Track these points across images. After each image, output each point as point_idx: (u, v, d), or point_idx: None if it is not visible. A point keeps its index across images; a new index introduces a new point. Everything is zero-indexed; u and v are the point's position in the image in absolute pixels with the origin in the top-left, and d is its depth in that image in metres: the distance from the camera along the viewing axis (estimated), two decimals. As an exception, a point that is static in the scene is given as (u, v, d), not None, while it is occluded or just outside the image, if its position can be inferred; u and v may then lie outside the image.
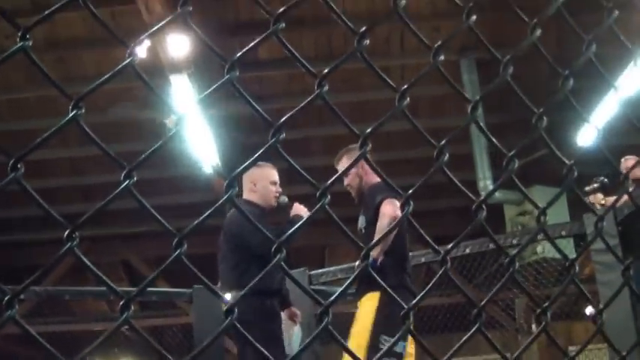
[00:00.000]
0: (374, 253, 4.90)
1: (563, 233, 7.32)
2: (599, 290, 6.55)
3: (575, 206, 11.32)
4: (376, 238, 4.81)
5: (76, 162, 14.62)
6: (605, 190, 8.33)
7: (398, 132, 12.71)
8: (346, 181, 5.41)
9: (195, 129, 10.79)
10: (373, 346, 4.70)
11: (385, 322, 4.81)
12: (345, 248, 16.14)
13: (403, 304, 1.32)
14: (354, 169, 5.30)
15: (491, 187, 12.23)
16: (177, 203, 14.20)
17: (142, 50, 1.26)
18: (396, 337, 1.34)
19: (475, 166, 12.52)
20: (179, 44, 9.40)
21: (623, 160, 8.34)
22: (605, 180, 8.38)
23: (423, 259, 8.06)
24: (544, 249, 11.91)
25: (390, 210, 4.87)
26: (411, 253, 8.23)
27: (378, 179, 5.34)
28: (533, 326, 14.22)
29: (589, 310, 18.13)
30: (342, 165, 5.47)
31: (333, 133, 13.57)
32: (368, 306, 4.92)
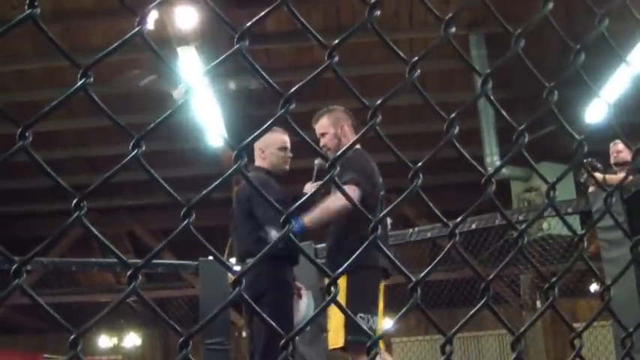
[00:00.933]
0: (305, 220, 4.90)
1: (570, 210, 7.30)
2: (605, 268, 6.55)
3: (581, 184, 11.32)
4: (319, 210, 4.85)
5: (82, 133, 14.65)
6: (598, 171, 8.30)
7: (405, 106, 12.71)
8: (323, 142, 5.27)
9: (202, 101, 10.77)
10: (352, 325, 4.70)
11: (358, 301, 4.80)
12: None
13: (413, 277, 1.31)
14: (332, 130, 5.19)
15: (498, 164, 12.23)
16: (184, 176, 14.21)
17: (150, 20, 1.25)
18: (403, 310, 1.34)
19: (482, 142, 12.52)
20: (186, 16, 9.37)
21: (612, 144, 8.37)
22: (594, 160, 8.35)
23: (429, 234, 8.04)
24: (550, 226, 11.93)
25: (348, 197, 4.79)
26: (417, 228, 8.27)
27: (355, 146, 5.25)
28: (538, 302, 14.27)
29: (594, 287, 18.21)
30: (320, 124, 5.32)
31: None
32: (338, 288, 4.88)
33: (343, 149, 1.34)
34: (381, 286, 5.10)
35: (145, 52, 11.28)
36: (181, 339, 1.15)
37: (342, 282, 4.86)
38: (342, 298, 4.83)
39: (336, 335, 4.86)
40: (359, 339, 4.64)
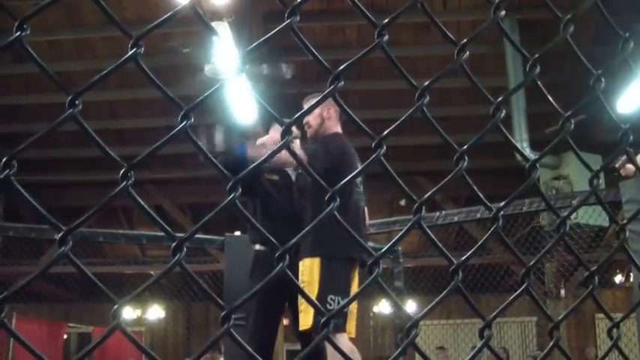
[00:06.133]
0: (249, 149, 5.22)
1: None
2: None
3: (610, 174, 11.23)
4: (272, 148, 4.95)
5: (113, 105, 14.72)
6: (632, 161, 8.17)
7: (433, 89, 12.63)
8: (306, 119, 5.32)
9: (236, 79, 10.72)
10: (321, 306, 4.70)
11: (331, 281, 4.90)
12: (376, 204, 16.17)
13: (454, 260, 1.31)
14: (318, 110, 5.24)
15: (527, 150, 12.15)
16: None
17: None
18: (444, 293, 1.33)
19: (512, 128, 12.44)
20: (221, -9, 9.35)
21: None
22: (630, 149, 8.24)
23: (455, 218, 8.02)
24: (578, 215, 11.86)
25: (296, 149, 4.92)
26: (443, 212, 8.25)
27: (338, 130, 5.32)
28: (562, 291, 14.19)
29: (619, 278, 18.06)
30: (309, 103, 5.34)
31: (369, 88, 13.53)
32: (310, 274, 4.94)
33: (388, 130, 1.33)
34: (355, 273, 5.15)
35: (178, 26, 11.30)
36: (223, 313, 1.15)
37: (316, 265, 4.95)
38: (314, 280, 4.92)
39: (306, 316, 4.89)
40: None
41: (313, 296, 4.82)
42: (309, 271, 4.92)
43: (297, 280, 5.20)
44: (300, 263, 5.00)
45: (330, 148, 5.07)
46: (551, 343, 1.38)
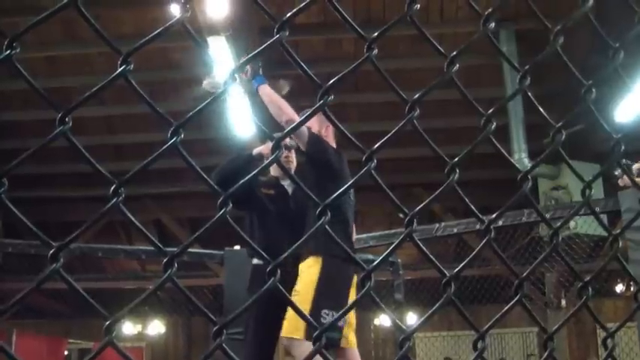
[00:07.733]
0: (264, 87, 5.09)
1: (598, 209, 7.22)
2: (631, 268, 6.49)
3: (608, 183, 11.22)
4: (277, 100, 5.02)
5: (110, 120, 14.72)
6: (626, 173, 8.13)
7: (431, 101, 12.65)
8: None
9: (232, 92, 10.73)
10: (315, 319, 4.51)
11: (326, 295, 4.73)
12: (375, 216, 16.16)
13: (447, 272, 1.30)
14: (317, 128, 5.24)
15: (526, 160, 12.14)
16: (211, 165, 14.19)
17: (188, 9, 1.24)
18: (437, 305, 1.33)
19: (510, 139, 12.42)
20: (218, 5, 9.36)
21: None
22: (629, 162, 8.23)
23: (455, 230, 8.00)
24: (577, 225, 11.84)
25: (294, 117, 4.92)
26: (442, 223, 8.24)
27: (334, 147, 5.32)
28: (563, 301, 14.18)
29: (619, 287, 18.04)
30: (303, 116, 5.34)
31: (367, 101, 13.54)
32: (309, 274, 4.80)
33: (378, 144, 1.33)
34: (353, 285, 4.97)
35: (174, 40, 11.33)
36: (215, 328, 1.15)
37: (316, 269, 4.82)
38: (311, 289, 4.77)
39: (295, 324, 4.70)
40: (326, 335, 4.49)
41: (307, 306, 4.70)
42: (306, 276, 4.83)
43: (294, 285, 5.04)
44: (301, 265, 4.89)
45: (328, 147, 5.10)
46: (545, 354, 1.38)
